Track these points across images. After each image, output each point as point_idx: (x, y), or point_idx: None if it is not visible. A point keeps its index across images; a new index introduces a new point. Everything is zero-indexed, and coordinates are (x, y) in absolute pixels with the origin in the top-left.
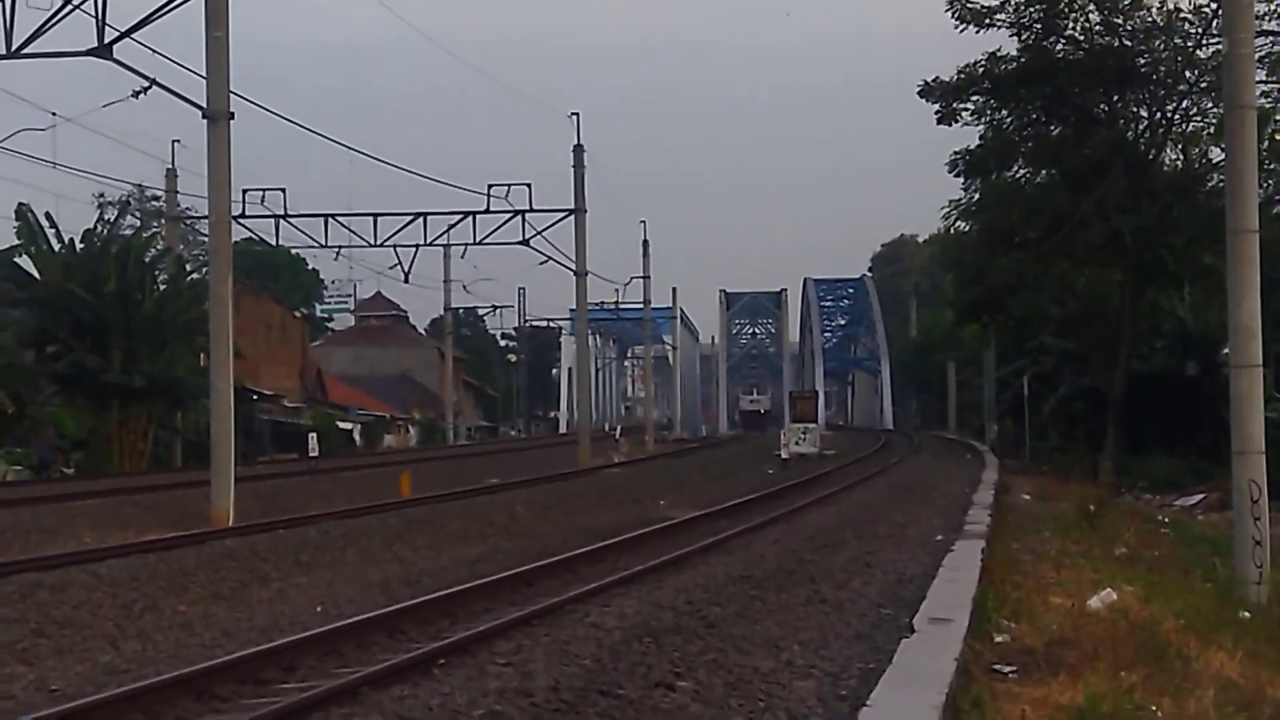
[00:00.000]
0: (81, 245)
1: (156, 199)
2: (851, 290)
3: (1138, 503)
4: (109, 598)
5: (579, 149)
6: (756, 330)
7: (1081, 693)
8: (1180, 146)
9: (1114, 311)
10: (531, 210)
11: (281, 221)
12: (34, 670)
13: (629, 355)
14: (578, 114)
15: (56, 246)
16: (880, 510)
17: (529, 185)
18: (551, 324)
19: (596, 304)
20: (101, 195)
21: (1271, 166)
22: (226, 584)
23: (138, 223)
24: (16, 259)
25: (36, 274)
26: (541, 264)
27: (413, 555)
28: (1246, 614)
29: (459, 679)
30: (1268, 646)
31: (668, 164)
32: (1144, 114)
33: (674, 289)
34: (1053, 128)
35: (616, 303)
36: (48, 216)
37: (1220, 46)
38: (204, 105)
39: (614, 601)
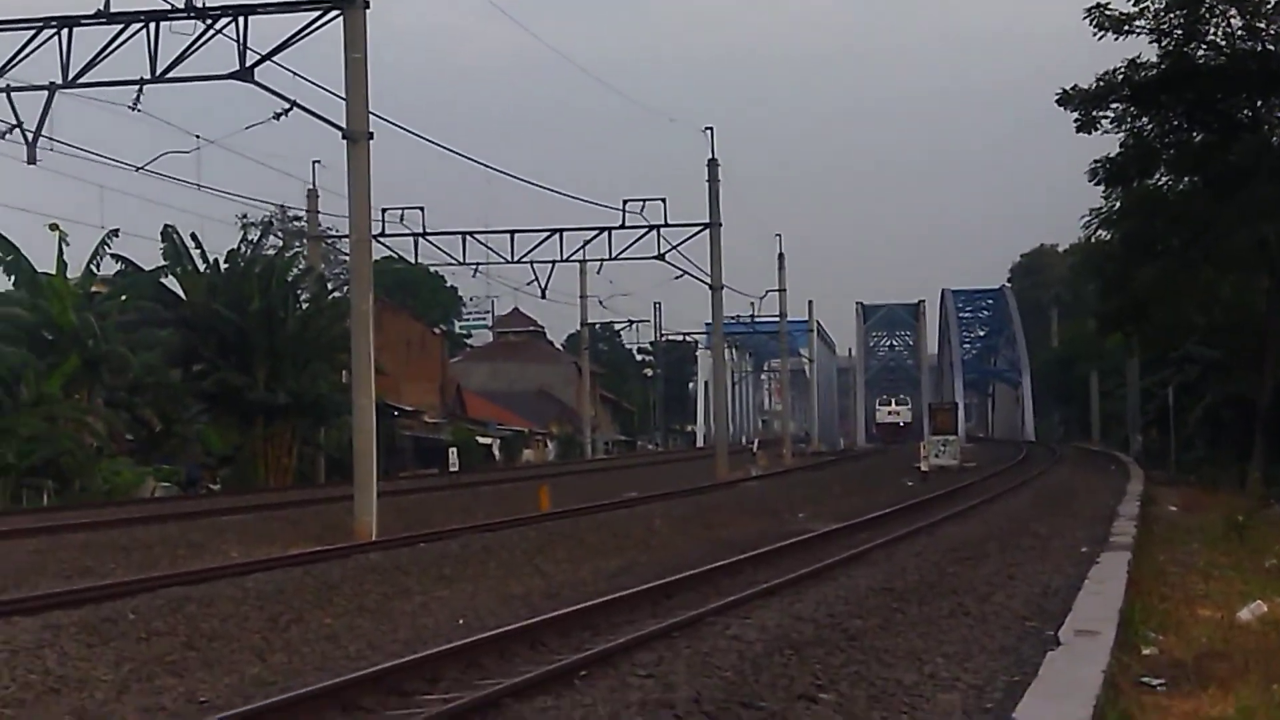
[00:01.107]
0: (226, 265)
1: (298, 219)
2: (990, 301)
3: None
4: (256, 611)
5: (713, 163)
6: (894, 342)
7: (1233, 706)
8: None
9: (1261, 319)
10: (666, 225)
11: (420, 239)
12: (184, 682)
13: (765, 368)
14: (711, 128)
15: (201, 267)
16: (1023, 522)
17: (664, 200)
18: (687, 338)
19: (732, 318)
20: (244, 216)
21: None
22: (370, 597)
23: (280, 242)
24: (163, 279)
25: (183, 294)
26: (677, 278)
27: (553, 568)
28: None
29: (601, 690)
30: None
31: (803, 177)
32: None
33: (810, 302)
34: (1195, 134)
35: (752, 316)
36: (193, 237)
37: None
38: (344, 126)
39: (754, 614)
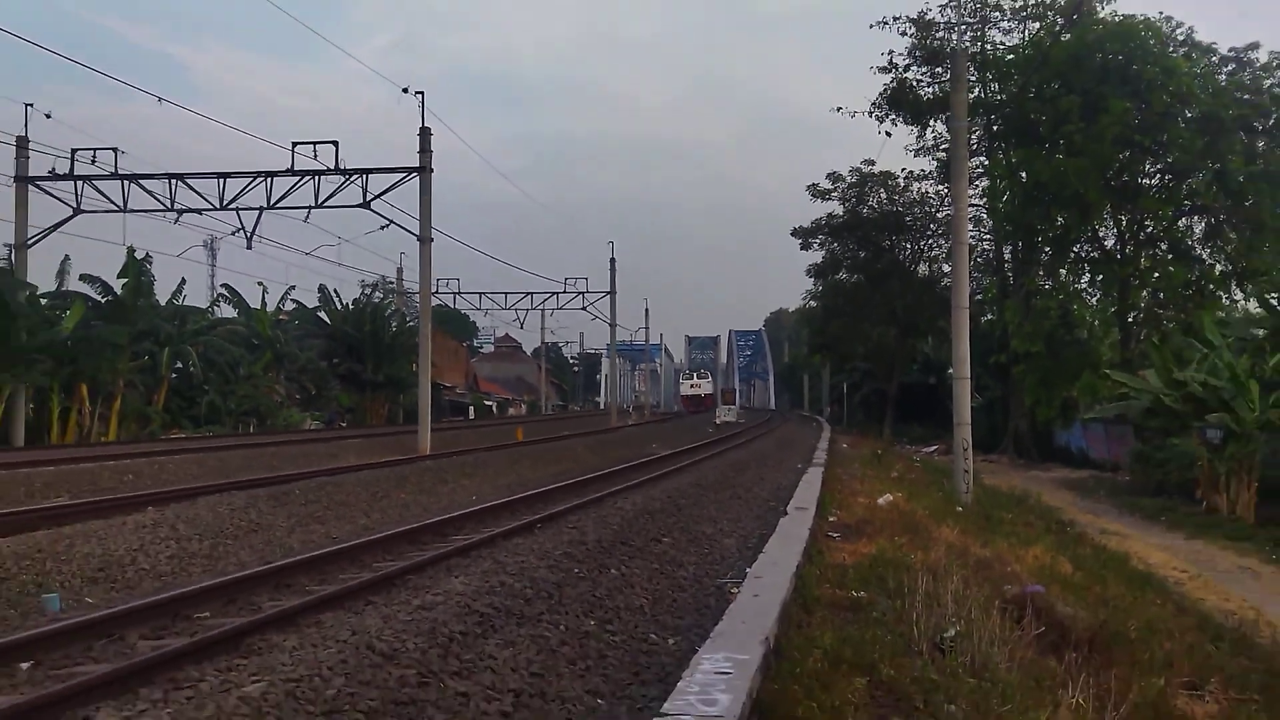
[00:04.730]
0: (352, 306)
1: (391, 283)
2: (754, 337)
3: (904, 450)
4: (364, 490)
5: (613, 261)
6: (704, 356)
7: (874, 547)
8: (928, 264)
9: (892, 349)
10: (587, 292)
11: (456, 295)
12: (324, 527)
13: (636, 368)
14: (613, 243)
15: (339, 306)
16: (769, 451)
17: (586, 278)
18: (596, 351)
19: (624, 341)
20: (363, 280)
21: (976, 275)
22: (426, 483)
23: (381, 295)
24: (319, 313)
25: (329, 321)
26: (592, 320)
27: (524, 471)
28: (960, 509)
29: (548, 534)
30: (972, 527)
31: (663, 259)
32: (909, 246)
33: (660, 334)
34: (861, 253)
35: (630, 340)
36: (335, 292)
37: (949, 212)
38: (417, 234)
39: (629, 495)
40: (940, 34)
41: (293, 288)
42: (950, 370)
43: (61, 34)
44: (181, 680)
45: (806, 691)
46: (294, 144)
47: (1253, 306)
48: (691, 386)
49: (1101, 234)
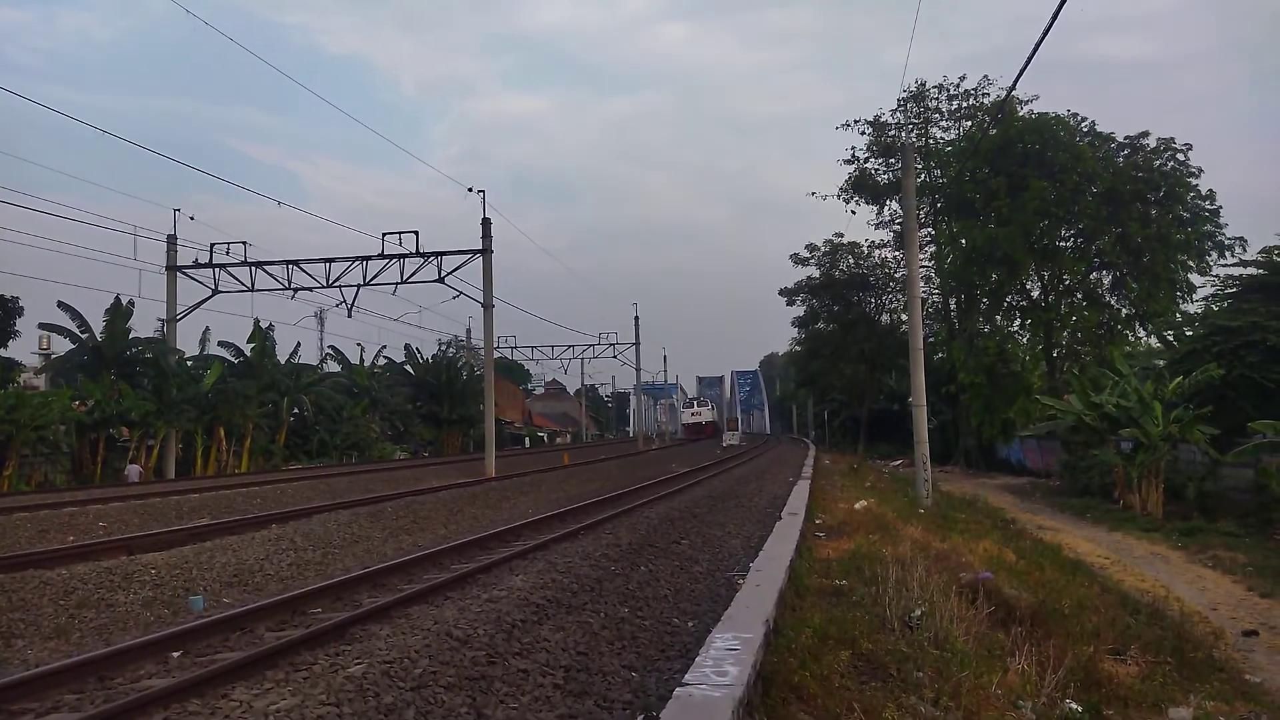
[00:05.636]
0: (431, 361)
1: (462, 341)
2: (752, 375)
3: (875, 464)
4: (443, 506)
5: (637, 319)
6: (711, 392)
7: (853, 543)
8: (889, 314)
9: (862, 383)
10: (617, 343)
11: (513, 349)
12: (411, 537)
13: (657, 403)
14: (636, 303)
15: (421, 361)
16: (765, 467)
17: (616, 333)
18: (625, 390)
19: (647, 382)
20: (440, 340)
21: (928, 323)
22: (492, 500)
23: (454, 351)
24: (405, 366)
25: (412, 372)
26: (622, 365)
27: (570, 488)
28: (922, 511)
29: (589, 540)
30: (932, 525)
31: (674, 311)
32: (873, 301)
33: (676, 375)
34: (835, 307)
35: (652, 381)
36: (417, 349)
37: (905, 273)
38: (481, 301)
39: (654, 506)
40: (892, 133)
41: (384, 347)
42: (910, 399)
43: (202, 154)
44: (299, 663)
45: (800, 663)
46: (384, 234)
47: (1153, 342)
48: (693, 415)
49: (1028, 287)
